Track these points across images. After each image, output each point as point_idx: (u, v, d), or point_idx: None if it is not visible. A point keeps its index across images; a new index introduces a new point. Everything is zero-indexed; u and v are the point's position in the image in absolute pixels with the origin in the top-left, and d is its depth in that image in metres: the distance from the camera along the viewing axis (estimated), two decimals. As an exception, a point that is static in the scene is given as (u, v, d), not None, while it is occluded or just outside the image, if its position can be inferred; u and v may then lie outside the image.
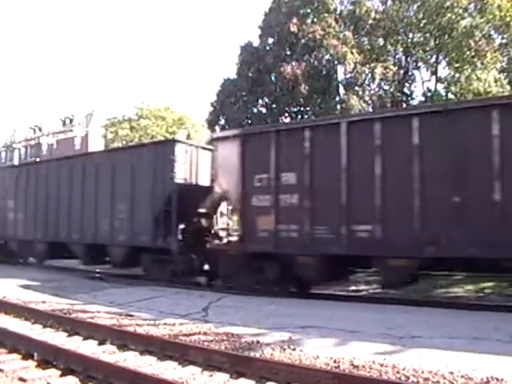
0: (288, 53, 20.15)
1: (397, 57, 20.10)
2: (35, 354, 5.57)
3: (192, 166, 12.58)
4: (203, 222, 11.94)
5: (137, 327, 7.23)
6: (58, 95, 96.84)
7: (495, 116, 8.13)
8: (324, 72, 19.37)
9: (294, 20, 19.10)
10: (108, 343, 6.20)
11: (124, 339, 6.25)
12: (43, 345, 5.81)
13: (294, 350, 5.89)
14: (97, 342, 6.30)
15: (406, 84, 20.03)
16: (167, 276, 12.24)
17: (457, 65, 18.23)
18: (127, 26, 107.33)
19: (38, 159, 40.94)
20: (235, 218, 11.60)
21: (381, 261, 9.14)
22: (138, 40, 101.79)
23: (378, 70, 18.12)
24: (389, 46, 19.80)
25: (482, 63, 17.61)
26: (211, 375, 5.04)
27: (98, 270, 14.92)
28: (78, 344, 6.24)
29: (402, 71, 19.61)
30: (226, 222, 12.79)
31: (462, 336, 6.45)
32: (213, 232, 12.00)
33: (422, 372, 4.94)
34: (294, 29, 18.95)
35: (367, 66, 18.55)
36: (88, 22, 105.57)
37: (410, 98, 20.14)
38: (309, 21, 19.79)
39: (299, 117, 19.81)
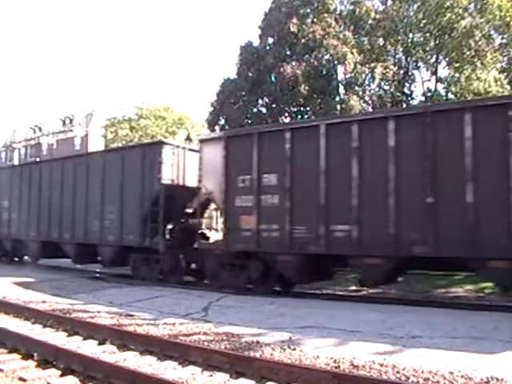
0: (288, 53, 20.12)
1: (397, 57, 20.06)
2: (35, 354, 5.59)
3: (179, 167, 12.84)
4: (190, 222, 12.08)
5: (137, 327, 7.24)
6: (58, 95, 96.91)
7: (467, 119, 8.39)
8: (324, 72, 19.34)
9: (294, 20, 19.07)
10: (108, 343, 6.21)
11: (124, 339, 6.26)
12: (43, 345, 5.81)
13: (294, 349, 5.90)
14: (97, 342, 6.31)
15: (406, 84, 19.99)
16: (155, 275, 12.53)
17: (457, 65, 18.20)
18: (127, 26, 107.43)
19: (37, 159, 40.93)
20: (220, 218, 11.82)
21: (358, 260, 9.45)
22: (138, 40, 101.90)
23: (378, 70, 18.09)
24: (389, 46, 19.76)
25: (482, 63, 17.60)
26: (211, 375, 5.05)
27: (98, 270, 14.97)
28: (77, 344, 6.24)
29: (401, 71, 19.57)
30: (212, 222, 13.01)
31: (462, 336, 6.46)
32: (200, 232, 12.15)
33: (422, 372, 4.95)
34: (293, 29, 18.92)
35: (367, 66, 18.51)
36: (88, 22, 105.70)
37: (410, 98, 20.11)
38: (309, 21, 19.74)
39: (299, 117, 19.80)
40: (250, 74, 20.38)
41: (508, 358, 5.44)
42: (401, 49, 19.79)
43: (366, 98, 19.06)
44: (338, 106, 18.64)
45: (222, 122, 20.92)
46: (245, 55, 20.93)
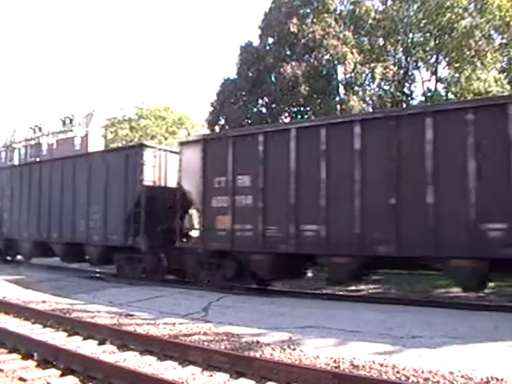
0: (288, 53, 20.12)
1: (397, 57, 20.06)
2: (35, 354, 5.58)
3: (161, 169, 13.20)
4: (172, 222, 12.32)
5: (137, 327, 7.24)
6: (58, 95, 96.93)
7: (428, 123, 8.68)
8: (324, 72, 19.34)
9: (294, 20, 19.07)
10: (108, 343, 6.20)
11: (124, 339, 6.25)
12: (43, 345, 5.81)
13: (294, 349, 5.89)
14: (97, 342, 6.30)
15: (406, 84, 20.00)
16: (138, 273, 12.92)
17: (457, 65, 18.21)
18: (127, 26, 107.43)
19: (37, 159, 40.94)
20: (198, 218, 12.14)
21: (326, 259, 9.86)
22: (138, 40, 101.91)
23: (378, 70, 18.09)
24: (389, 46, 19.77)
25: (482, 63, 17.60)
26: (211, 375, 5.04)
27: (98, 270, 14.99)
28: (78, 344, 6.24)
29: (401, 71, 19.57)
30: (194, 222, 13.26)
31: (461, 336, 6.45)
32: (179, 231, 12.37)
33: (422, 372, 4.94)
34: (293, 29, 18.92)
35: (367, 66, 18.52)
36: (88, 22, 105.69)
37: (410, 98, 20.13)
38: (309, 21, 19.74)
39: (299, 117, 19.81)
40: (250, 74, 20.38)
41: (508, 358, 5.44)
42: (401, 49, 19.80)
43: (366, 98, 19.05)
44: (338, 106, 18.65)
45: (222, 121, 20.93)
46: (245, 55, 20.93)
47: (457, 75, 18.41)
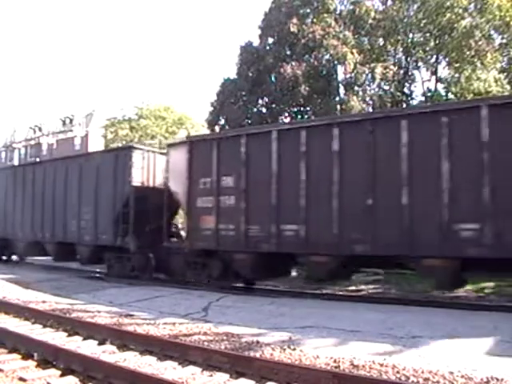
0: (288, 53, 20.12)
1: (397, 57, 20.06)
2: (35, 354, 5.58)
3: (149, 170, 13.49)
4: (160, 222, 12.49)
5: (137, 327, 7.24)
6: (58, 95, 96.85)
7: (404, 125, 8.89)
8: (324, 72, 19.33)
9: (294, 20, 19.06)
10: (108, 343, 6.20)
11: (124, 339, 6.25)
12: (43, 345, 5.81)
13: (294, 349, 5.89)
14: (97, 342, 6.30)
15: (406, 84, 20.00)
16: (127, 272, 13.21)
17: (457, 65, 18.22)
18: (127, 26, 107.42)
19: (37, 159, 40.97)
20: (184, 218, 12.39)
21: (305, 258, 10.18)
22: (138, 40, 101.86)
23: (378, 70, 18.08)
24: (389, 46, 19.76)
25: (482, 63, 17.60)
26: (211, 375, 5.04)
27: (98, 270, 15.01)
28: (78, 344, 6.24)
29: (401, 71, 19.57)
30: (179, 222, 13.62)
31: (461, 336, 6.45)
32: (167, 231, 12.58)
33: (422, 372, 4.94)
34: (293, 29, 18.92)
35: (367, 66, 18.51)
36: (88, 22, 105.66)
37: (410, 98, 20.13)
38: (309, 21, 19.74)
39: (299, 117, 19.81)
40: (250, 74, 20.38)
41: (508, 358, 5.44)
42: (401, 49, 19.79)
43: (367, 99, 19.05)
44: (338, 107, 18.64)
45: (222, 121, 20.92)
46: (245, 55, 20.92)
47: (457, 75, 18.41)
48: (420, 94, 19.94)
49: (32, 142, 58.21)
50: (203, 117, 26.18)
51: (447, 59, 18.81)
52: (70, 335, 6.72)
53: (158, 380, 4.58)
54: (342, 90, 19.43)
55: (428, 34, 18.82)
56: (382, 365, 5.22)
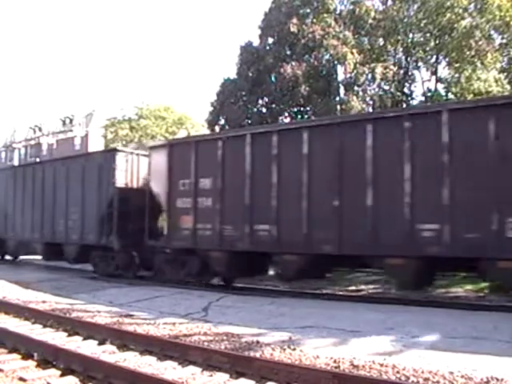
0: (288, 53, 20.10)
1: (397, 57, 20.05)
2: (35, 354, 5.58)
3: (133, 171, 13.94)
4: (143, 221, 12.82)
5: (137, 327, 7.24)
6: (58, 95, 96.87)
7: (369, 129, 9.24)
8: (324, 72, 19.32)
9: (294, 20, 19.05)
10: (108, 343, 6.20)
11: (124, 339, 6.25)
12: (43, 345, 5.81)
13: (294, 349, 5.89)
14: (97, 342, 6.30)
15: (406, 84, 19.99)
16: (111, 270, 13.67)
17: (457, 65, 18.21)
18: (127, 26, 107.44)
19: (37, 159, 41.00)
20: (165, 217, 12.69)
21: (277, 257, 10.53)
22: (138, 40, 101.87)
23: (378, 70, 18.07)
24: (389, 46, 19.75)
25: (483, 63, 17.60)
26: (211, 375, 5.04)
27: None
28: (78, 344, 6.24)
29: (402, 71, 19.56)
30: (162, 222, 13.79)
31: (461, 336, 6.45)
32: (148, 231, 12.78)
33: (422, 372, 4.94)
34: (293, 29, 18.90)
35: (367, 65, 18.51)
36: (88, 21, 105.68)
37: (410, 98, 20.13)
38: (309, 21, 19.72)
39: (299, 117, 19.80)
40: (250, 74, 20.36)
41: (508, 358, 5.44)
42: (401, 49, 19.79)
43: (367, 99, 19.04)
44: (338, 107, 18.64)
45: (222, 121, 20.91)
46: (245, 55, 20.91)
47: (457, 75, 18.41)
48: (420, 94, 19.98)
49: (32, 142, 58.22)
50: (203, 117, 26.21)
51: (447, 59, 18.81)
52: (69, 335, 6.72)
53: (158, 380, 4.58)
54: (342, 90, 19.43)
55: (428, 34, 18.82)
56: (382, 365, 5.22)
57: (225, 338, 6.56)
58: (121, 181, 13.46)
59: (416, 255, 8.67)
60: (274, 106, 20.13)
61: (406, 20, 19.01)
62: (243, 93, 20.47)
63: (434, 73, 19.37)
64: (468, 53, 17.51)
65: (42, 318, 7.65)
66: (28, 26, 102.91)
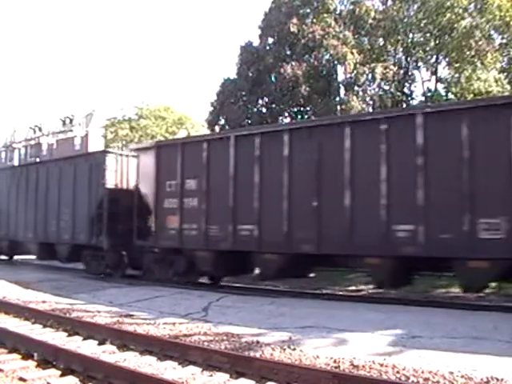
0: (288, 53, 20.09)
1: (397, 57, 20.04)
2: (35, 354, 5.58)
3: (122, 173, 14.20)
4: (132, 222, 13.01)
5: (137, 327, 7.23)
6: (58, 95, 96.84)
7: (347, 132, 9.50)
8: (324, 72, 19.31)
9: (294, 20, 19.05)
10: (108, 343, 6.20)
11: (124, 339, 6.25)
12: (43, 345, 5.81)
13: (294, 349, 5.89)
14: (97, 342, 6.30)
15: (406, 84, 19.99)
16: (102, 269, 14.01)
17: (457, 65, 18.21)
18: (127, 26, 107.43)
19: (37, 159, 41.01)
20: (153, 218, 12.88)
21: (259, 256, 10.70)
22: (138, 40, 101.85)
23: (378, 70, 18.06)
24: (389, 46, 19.75)
25: (483, 63, 17.59)
26: (211, 375, 5.04)
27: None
28: (78, 344, 6.24)
29: (402, 71, 19.55)
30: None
31: (461, 336, 6.45)
32: (136, 231, 12.95)
33: (422, 372, 4.94)
34: (293, 29, 18.90)
35: (367, 66, 18.50)
36: (88, 21, 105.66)
37: (410, 98, 20.12)
38: (309, 21, 19.71)
39: (299, 117, 19.80)
40: (250, 74, 20.36)
41: (508, 357, 5.44)
42: (401, 49, 19.78)
43: (367, 99, 19.04)
44: (338, 107, 18.63)
45: (222, 121, 20.90)
46: (245, 55, 20.91)
47: (457, 75, 18.40)
48: (420, 94, 19.97)
49: (32, 142, 58.19)
50: (203, 117, 26.20)
51: (447, 59, 18.80)
52: (69, 335, 6.72)
53: (157, 380, 4.58)
54: (342, 90, 19.42)
55: (428, 34, 18.81)
56: (382, 365, 5.22)
57: (225, 338, 6.56)
58: (111, 182, 13.73)
59: (392, 255, 8.89)
60: (274, 106, 20.12)
61: (406, 20, 19.01)
62: (243, 93, 20.47)
63: (434, 73, 19.37)
64: (468, 53, 17.51)
65: (42, 318, 7.65)
66: (28, 26, 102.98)
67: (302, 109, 20.22)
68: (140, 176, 13.06)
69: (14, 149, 59.95)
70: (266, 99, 20.47)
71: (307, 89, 18.40)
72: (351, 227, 9.25)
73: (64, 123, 56.78)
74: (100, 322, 7.51)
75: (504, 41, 17.93)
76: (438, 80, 19.21)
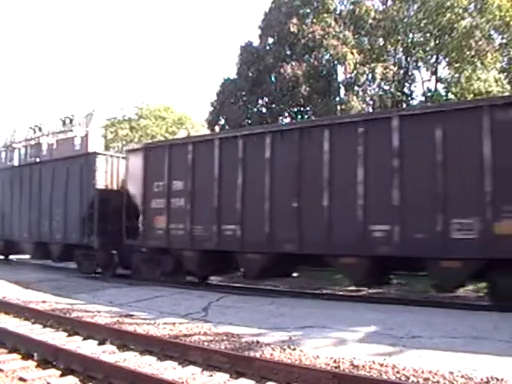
0: (288, 53, 20.11)
1: (397, 57, 20.06)
2: (35, 354, 5.57)
3: (113, 174, 14.48)
4: (123, 221, 13.25)
5: (137, 327, 7.23)
6: (58, 95, 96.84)
7: (326, 135, 9.70)
8: (324, 72, 19.32)
9: (294, 20, 19.06)
10: (108, 343, 6.20)
11: (124, 339, 6.25)
12: (43, 345, 5.81)
13: (294, 349, 5.89)
14: (97, 342, 6.29)
15: (406, 84, 20.00)
16: (93, 268, 14.36)
17: (457, 65, 18.21)
18: (127, 26, 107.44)
19: (37, 159, 41.01)
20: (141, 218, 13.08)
21: (242, 256, 10.92)
22: (138, 40, 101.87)
23: (378, 70, 18.07)
24: (389, 46, 19.76)
25: (483, 63, 17.60)
26: (211, 375, 5.04)
27: (97, 270, 15.04)
28: (78, 344, 6.23)
29: (402, 71, 19.57)
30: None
31: (461, 336, 6.45)
32: (126, 231, 13.17)
33: (422, 372, 4.94)
34: (293, 29, 18.91)
35: (367, 66, 18.51)
36: (88, 21, 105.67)
37: (410, 98, 20.12)
38: (309, 21, 19.73)
39: (299, 117, 19.80)
40: (250, 74, 20.37)
41: (508, 357, 5.44)
42: (401, 49, 19.79)
43: (367, 99, 19.04)
44: (338, 107, 18.63)
45: (222, 121, 20.92)
46: (245, 55, 20.91)
47: (457, 75, 18.41)
48: (420, 94, 19.98)
49: (32, 142, 58.16)
50: (203, 117, 26.23)
51: (447, 59, 18.81)
52: (69, 335, 6.71)
53: (157, 380, 4.58)
54: (342, 91, 19.43)
55: (428, 34, 18.82)
56: (382, 365, 5.22)
57: (225, 338, 6.56)
58: (101, 182, 13.99)
59: (368, 255, 9.09)
60: (274, 106, 20.13)
61: (406, 20, 19.02)
62: (243, 93, 20.48)
63: (434, 73, 19.38)
64: (468, 53, 17.52)
65: (42, 318, 7.64)
66: (28, 26, 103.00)
67: (302, 109, 20.23)
68: (129, 177, 13.29)
69: (14, 149, 59.92)
70: (266, 99, 20.49)
71: (307, 89, 18.40)
72: (329, 227, 9.47)
73: (64, 123, 56.76)
74: (100, 322, 7.51)
75: (504, 41, 17.95)
76: (438, 80, 19.22)
